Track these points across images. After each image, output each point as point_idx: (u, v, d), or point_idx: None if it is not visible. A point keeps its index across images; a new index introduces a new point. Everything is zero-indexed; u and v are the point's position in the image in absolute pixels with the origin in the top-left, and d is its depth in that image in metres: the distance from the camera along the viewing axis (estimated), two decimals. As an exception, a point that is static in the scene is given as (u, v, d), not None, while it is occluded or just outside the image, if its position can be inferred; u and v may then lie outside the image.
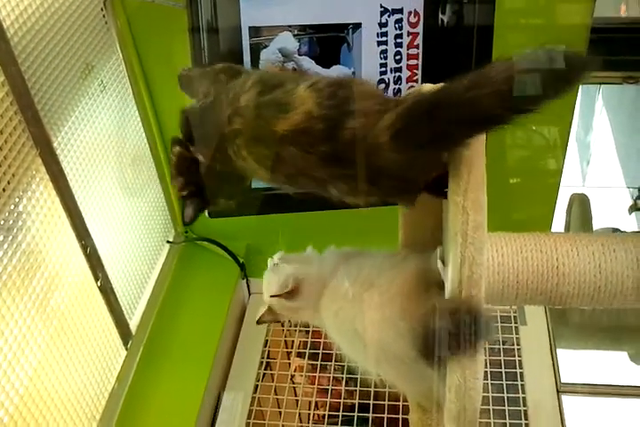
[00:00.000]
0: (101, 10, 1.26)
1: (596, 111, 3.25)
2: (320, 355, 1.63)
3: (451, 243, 0.71)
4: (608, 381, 1.60)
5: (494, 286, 0.78)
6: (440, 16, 1.04)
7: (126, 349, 1.37)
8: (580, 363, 1.82)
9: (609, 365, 1.92)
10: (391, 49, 1.07)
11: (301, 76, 0.82)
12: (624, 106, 3.04)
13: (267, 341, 1.66)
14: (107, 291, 1.28)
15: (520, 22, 1.21)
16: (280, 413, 1.51)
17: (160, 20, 1.27)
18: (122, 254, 1.39)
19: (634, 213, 2.08)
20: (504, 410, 1.45)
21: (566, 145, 1.47)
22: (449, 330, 0.68)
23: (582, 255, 0.78)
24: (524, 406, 1.45)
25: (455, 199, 0.69)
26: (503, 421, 1.43)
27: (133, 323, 1.42)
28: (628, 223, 2.14)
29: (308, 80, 0.76)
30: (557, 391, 1.47)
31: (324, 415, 1.57)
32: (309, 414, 1.56)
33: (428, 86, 0.74)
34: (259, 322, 1.00)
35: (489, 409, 1.45)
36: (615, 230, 1.94)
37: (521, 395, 1.47)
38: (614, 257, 0.77)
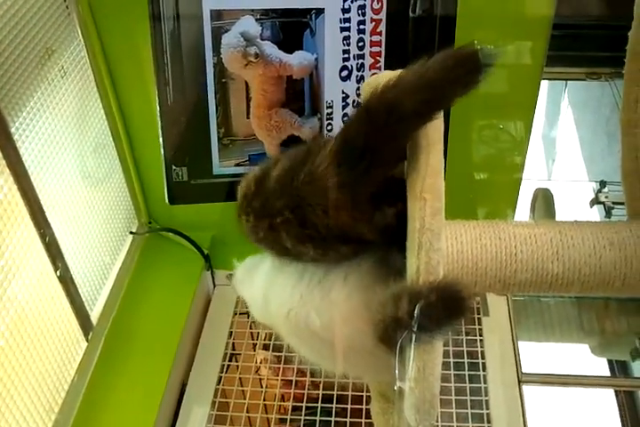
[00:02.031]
0: (62, -7, 1.24)
1: (561, 108, 3.31)
2: (285, 347, 1.62)
3: (409, 229, 0.71)
4: (569, 371, 1.63)
5: (453, 274, 0.78)
6: (403, 3, 1.04)
7: (87, 340, 1.35)
8: (541, 354, 1.85)
9: (570, 356, 1.95)
10: (354, 35, 1.06)
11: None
12: (589, 103, 3.09)
13: (231, 332, 1.65)
14: (66, 281, 1.25)
15: (483, 9, 1.21)
16: (244, 404, 1.50)
17: (122, 5, 1.25)
18: (83, 244, 1.37)
19: (595, 207, 2.12)
20: (466, 400, 1.46)
21: (528, 140, 1.49)
22: (408, 316, 0.68)
23: (540, 242, 0.78)
24: (486, 395, 1.47)
25: (413, 185, 0.68)
26: (465, 410, 1.44)
27: (94, 314, 1.40)
28: (591, 216, 2.18)
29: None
30: (519, 381, 1.49)
31: (288, 407, 1.56)
32: (274, 405, 1.56)
33: (388, 74, 0.73)
34: None
35: (451, 399, 1.46)
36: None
37: (483, 385, 1.49)
38: (572, 244, 0.78)
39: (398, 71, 0.72)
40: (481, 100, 1.39)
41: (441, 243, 0.67)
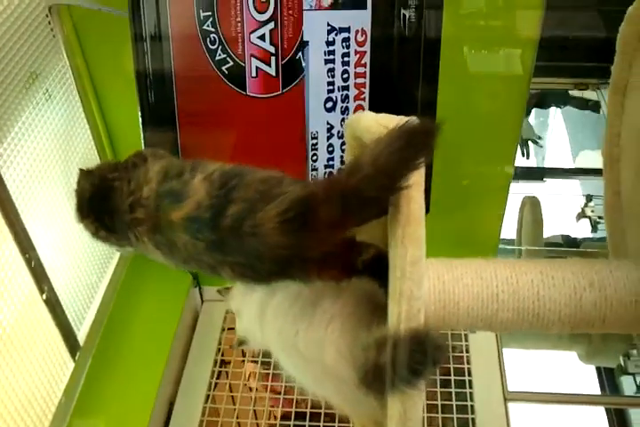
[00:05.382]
0: (47, 16, 1.23)
1: (550, 119, 3.32)
2: (273, 363, 1.62)
3: (391, 277, 0.71)
4: (556, 384, 1.64)
5: (436, 314, 0.78)
6: (387, 35, 1.04)
7: (74, 360, 1.35)
8: (529, 367, 1.86)
9: (558, 366, 1.96)
10: (338, 67, 1.07)
11: (201, 164, 0.85)
12: (577, 113, 3.10)
13: (219, 349, 1.65)
14: (52, 303, 1.25)
15: (469, 29, 1.21)
16: (233, 423, 1.50)
17: (108, 28, 1.24)
18: (69, 264, 1.36)
19: (582, 220, 2.13)
20: (452, 418, 1.47)
21: (516, 149, 1.49)
22: (389, 363, 0.68)
23: (521, 282, 0.79)
24: (472, 413, 1.48)
25: (394, 232, 0.69)
26: (452, 428, 1.45)
27: (81, 334, 1.39)
28: (579, 230, 2.19)
29: (206, 170, 0.82)
30: (504, 399, 1.50)
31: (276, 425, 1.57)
32: (262, 423, 1.56)
33: (370, 115, 0.73)
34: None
35: (438, 417, 1.47)
36: (565, 237, 1.97)
37: (469, 403, 1.50)
38: (552, 284, 0.79)
39: (379, 115, 0.72)
40: (468, 112, 1.38)
41: (422, 291, 0.67)
